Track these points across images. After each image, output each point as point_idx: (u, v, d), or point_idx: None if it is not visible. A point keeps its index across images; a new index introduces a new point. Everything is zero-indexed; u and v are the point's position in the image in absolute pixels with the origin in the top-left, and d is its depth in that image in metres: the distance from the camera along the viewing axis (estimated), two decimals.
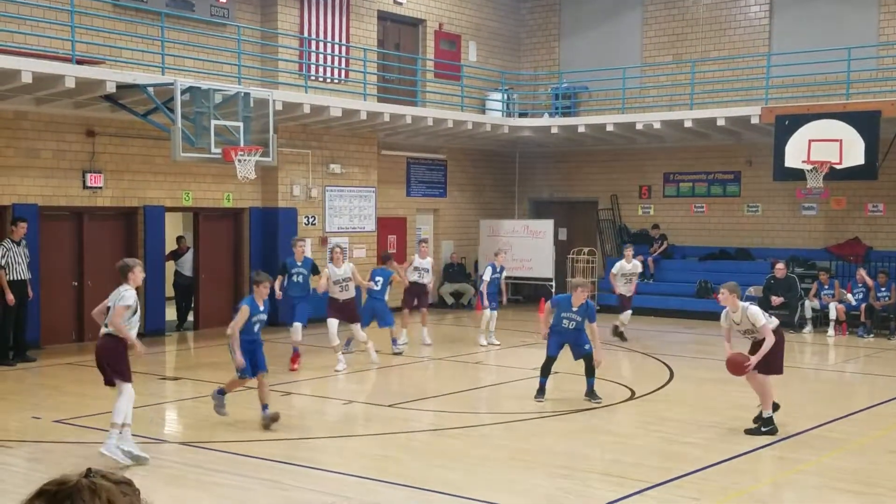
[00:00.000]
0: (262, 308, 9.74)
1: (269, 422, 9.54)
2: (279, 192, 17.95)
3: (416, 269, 15.77)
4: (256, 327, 9.72)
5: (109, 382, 8.58)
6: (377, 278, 14.37)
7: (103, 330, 8.52)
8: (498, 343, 15.82)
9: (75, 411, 10.34)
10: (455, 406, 11.06)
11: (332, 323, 13.10)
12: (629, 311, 16.58)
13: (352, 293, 13.39)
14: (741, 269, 19.37)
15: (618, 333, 16.35)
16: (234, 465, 8.38)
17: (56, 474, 2.08)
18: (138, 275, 8.52)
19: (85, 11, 14.86)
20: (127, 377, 8.49)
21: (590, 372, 11.20)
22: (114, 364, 8.45)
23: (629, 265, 16.69)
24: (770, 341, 9.41)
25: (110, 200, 15.78)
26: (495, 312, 15.77)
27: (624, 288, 16.57)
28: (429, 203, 21.73)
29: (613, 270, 16.73)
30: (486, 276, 15.81)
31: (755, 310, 9.53)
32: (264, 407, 9.61)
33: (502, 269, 16.18)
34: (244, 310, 9.58)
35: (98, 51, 14.99)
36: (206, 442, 9.13)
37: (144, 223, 16.22)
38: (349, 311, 13.36)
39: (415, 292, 15.65)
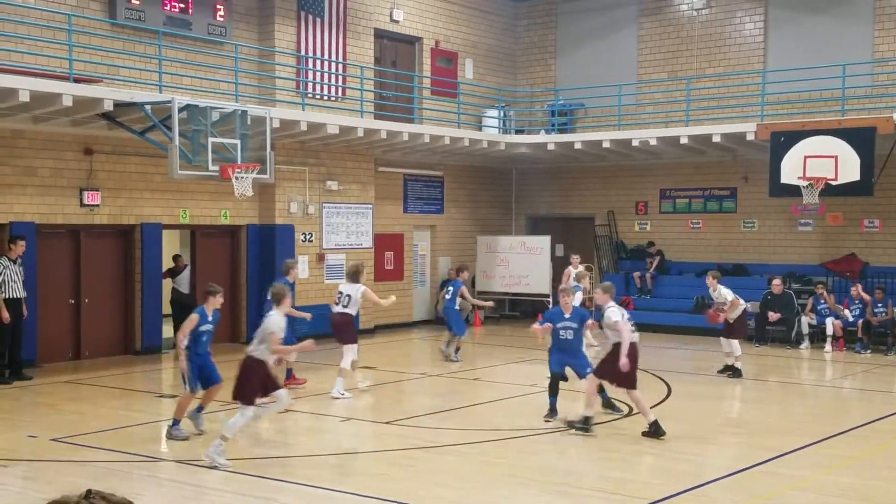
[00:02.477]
0: (209, 319, 9.91)
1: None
2: (276, 209, 17.98)
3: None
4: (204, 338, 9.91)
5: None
6: (448, 288, 15.88)
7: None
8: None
9: (72, 429, 10.31)
10: (451, 423, 11.05)
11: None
12: (735, 341, 14.40)
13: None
14: (737, 284, 19.24)
15: (729, 368, 14.45)
16: (232, 484, 8.36)
17: (53, 494, 2.08)
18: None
19: (83, 30, 14.92)
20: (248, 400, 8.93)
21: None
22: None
23: (714, 293, 14.71)
24: (625, 340, 9.97)
25: (107, 218, 15.79)
26: None
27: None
28: (426, 219, 21.76)
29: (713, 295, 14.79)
30: (577, 301, 14.09)
31: (613, 310, 10.19)
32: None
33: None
34: (193, 318, 9.82)
35: (96, 69, 15.03)
36: (203, 460, 9.10)
37: (142, 241, 16.22)
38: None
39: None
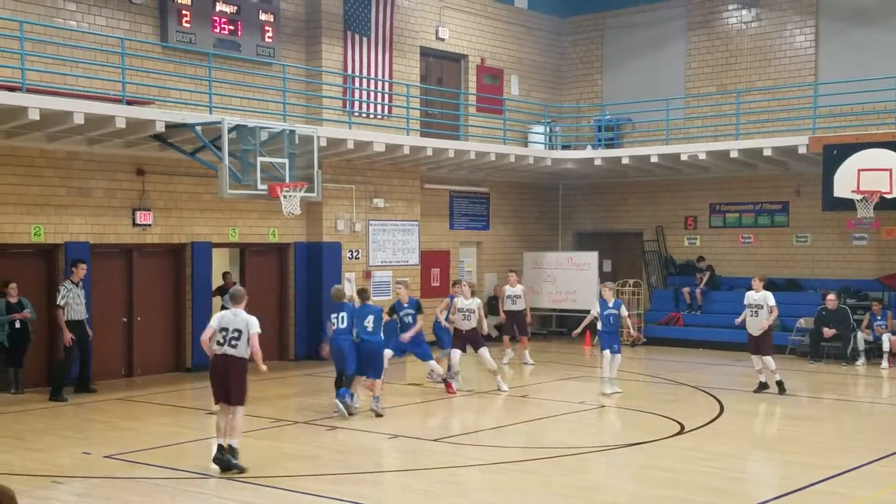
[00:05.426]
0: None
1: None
2: (323, 226, 18.11)
3: (508, 297, 17.48)
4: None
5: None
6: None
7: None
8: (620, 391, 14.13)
9: (126, 446, 10.45)
10: (501, 440, 10.99)
11: (456, 353, 14.43)
12: (768, 357, 14.19)
13: (473, 323, 14.40)
14: (791, 300, 19.01)
15: (764, 385, 14.26)
16: (280, 501, 8.39)
17: None
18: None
19: (135, 53, 15.21)
20: None
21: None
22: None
23: (758, 294, 14.28)
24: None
25: (159, 237, 16.03)
26: (619, 356, 14.12)
27: (751, 324, 14.31)
28: (472, 236, 21.76)
29: (745, 301, 14.43)
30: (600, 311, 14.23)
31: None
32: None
33: (617, 303, 14.32)
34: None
35: (148, 91, 15.31)
36: (252, 477, 9.16)
37: (192, 259, 16.44)
38: (473, 339, 14.44)
39: (512, 320, 17.47)
